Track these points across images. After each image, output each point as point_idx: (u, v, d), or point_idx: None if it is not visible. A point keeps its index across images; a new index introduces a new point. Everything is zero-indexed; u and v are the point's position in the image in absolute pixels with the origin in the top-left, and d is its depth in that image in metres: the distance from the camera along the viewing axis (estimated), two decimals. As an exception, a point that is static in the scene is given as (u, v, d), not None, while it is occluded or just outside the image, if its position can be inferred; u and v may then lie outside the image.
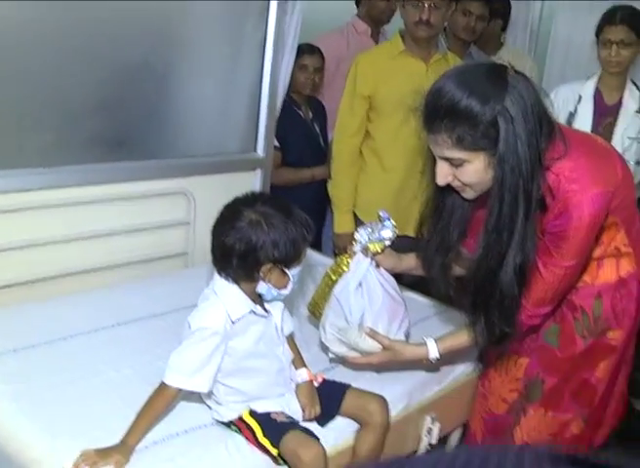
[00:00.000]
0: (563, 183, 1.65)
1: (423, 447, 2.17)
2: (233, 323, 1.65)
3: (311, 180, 3.30)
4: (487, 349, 1.96)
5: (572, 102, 3.03)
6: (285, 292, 1.71)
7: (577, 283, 1.91)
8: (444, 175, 1.68)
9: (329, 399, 1.84)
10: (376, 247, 1.95)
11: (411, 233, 3.05)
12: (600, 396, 2.02)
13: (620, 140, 2.96)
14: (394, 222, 1.99)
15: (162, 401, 1.65)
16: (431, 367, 2.10)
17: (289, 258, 1.66)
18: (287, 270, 1.67)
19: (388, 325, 1.95)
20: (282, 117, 3.18)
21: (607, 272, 1.92)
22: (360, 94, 2.97)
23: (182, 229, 2.88)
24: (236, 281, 1.67)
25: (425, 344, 1.94)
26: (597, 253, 1.88)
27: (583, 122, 2.95)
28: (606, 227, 1.82)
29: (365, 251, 1.95)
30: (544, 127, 1.61)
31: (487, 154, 1.60)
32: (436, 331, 2.14)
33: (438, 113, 1.59)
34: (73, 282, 2.56)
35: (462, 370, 2.29)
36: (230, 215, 1.66)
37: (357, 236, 1.96)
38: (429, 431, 2.15)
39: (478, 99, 1.55)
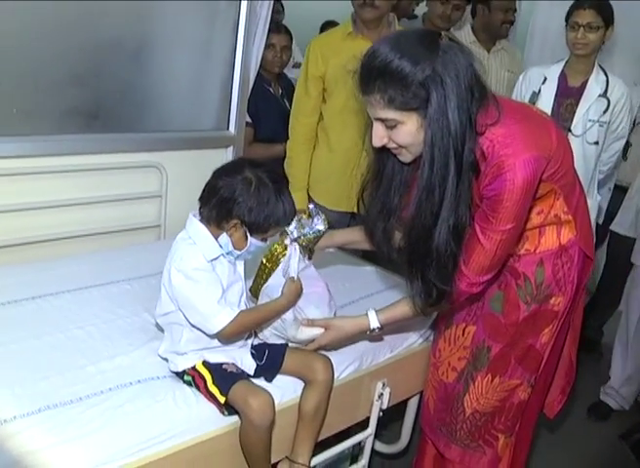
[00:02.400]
0: (497, 148, 1.70)
1: (375, 412, 2.24)
2: (208, 262, 1.75)
3: (283, 155, 3.37)
4: (426, 311, 1.97)
5: (537, 83, 3.18)
6: (237, 253, 1.79)
7: (517, 250, 1.96)
8: (379, 136, 1.74)
9: (272, 354, 1.93)
10: (306, 241, 2.02)
11: (355, 209, 3.19)
12: (546, 361, 2.07)
13: (581, 122, 3.09)
14: (324, 216, 2.06)
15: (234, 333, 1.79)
16: (376, 337, 2.17)
17: (254, 227, 1.75)
18: (249, 235, 1.76)
19: (319, 310, 1.99)
20: (253, 94, 3.26)
21: (548, 239, 1.96)
22: (312, 75, 3.09)
23: (155, 202, 2.96)
24: (207, 221, 1.76)
25: (366, 315, 2.00)
26: (538, 221, 1.93)
27: (545, 101, 3.09)
28: (544, 195, 1.87)
29: (295, 243, 1.99)
30: (476, 92, 1.66)
31: (419, 115, 1.65)
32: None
33: (371, 74, 1.65)
34: (47, 249, 2.64)
35: (415, 340, 2.34)
36: (234, 166, 1.78)
37: (288, 229, 1.97)
38: (380, 396, 2.22)
39: (410, 61, 1.60)
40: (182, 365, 1.82)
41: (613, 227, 3.91)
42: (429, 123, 1.63)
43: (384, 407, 2.25)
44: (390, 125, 1.70)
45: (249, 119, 3.33)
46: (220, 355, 1.83)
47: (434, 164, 1.66)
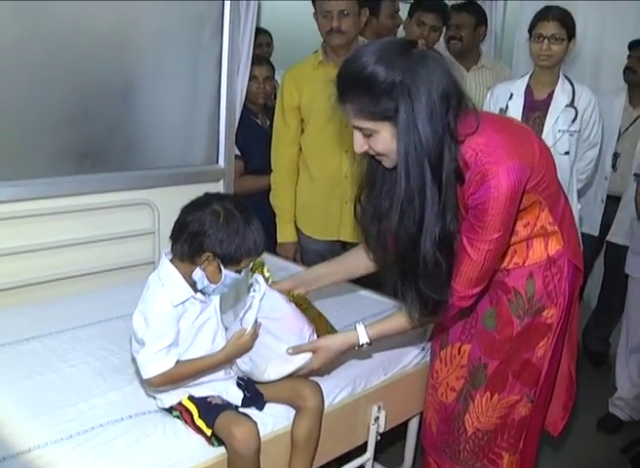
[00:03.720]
0: (479, 156, 1.70)
1: (372, 435, 2.24)
2: (174, 307, 1.76)
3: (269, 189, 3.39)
4: (422, 322, 1.95)
5: (504, 99, 3.20)
6: (214, 287, 1.80)
7: (506, 265, 1.96)
8: (359, 144, 1.75)
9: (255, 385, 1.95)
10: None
11: (343, 237, 3.19)
12: (544, 375, 2.05)
13: (550, 133, 3.10)
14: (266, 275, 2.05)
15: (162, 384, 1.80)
16: (364, 353, 2.15)
17: (227, 258, 1.76)
18: (223, 268, 1.77)
19: (283, 343, 1.93)
20: (241, 127, 3.31)
21: (536, 252, 1.96)
22: (288, 105, 3.14)
23: (149, 239, 2.99)
24: (180, 257, 1.78)
25: (355, 329, 1.97)
26: (524, 233, 1.93)
27: (514, 116, 3.05)
28: (529, 206, 1.86)
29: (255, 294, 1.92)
30: (453, 100, 1.66)
31: (392, 125, 1.65)
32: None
33: (345, 82, 1.67)
34: (42, 291, 2.67)
35: (409, 361, 2.35)
36: (201, 201, 1.79)
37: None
38: (376, 420, 2.21)
39: (383, 67, 1.60)
40: (168, 401, 1.84)
41: (610, 238, 3.92)
42: (400, 133, 1.64)
43: (381, 430, 2.24)
44: (366, 133, 1.71)
45: (238, 152, 3.38)
46: (205, 389, 1.85)
47: (409, 174, 1.66)
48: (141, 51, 2.86)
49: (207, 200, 1.78)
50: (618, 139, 3.86)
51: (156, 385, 1.79)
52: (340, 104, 1.72)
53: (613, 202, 3.89)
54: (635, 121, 3.88)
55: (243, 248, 1.75)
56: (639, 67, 3.82)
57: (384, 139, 1.70)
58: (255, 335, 1.84)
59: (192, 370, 1.80)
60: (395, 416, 2.33)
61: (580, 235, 3.24)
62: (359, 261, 2.21)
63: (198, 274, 1.77)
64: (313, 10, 3.07)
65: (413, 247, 1.74)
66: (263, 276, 1.98)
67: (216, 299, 1.88)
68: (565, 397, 2.23)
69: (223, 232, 1.72)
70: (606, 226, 3.92)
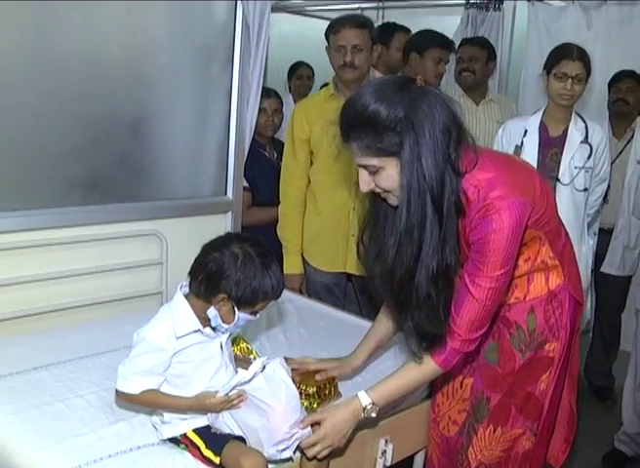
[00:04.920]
0: (481, 192, 1.71)
1: (380, 469, 2.24)
2: (177, 338, 1.76)
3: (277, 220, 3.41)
4: (430, 371, 1.88)
5: (518, 136, 3.21)
6: (226, 326, 1.80)
7: (507, 299, 1.96)
8: (365, 182, 1.75)
9: None
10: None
11: (350, 270, 3.19)
12: (547, 408, 2.04)
13: (567, 169, 3.12)
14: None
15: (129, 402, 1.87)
16: (374, 420, 1.97)
17: (242, 301, 1.77)
18: (237, 310, 1.78)
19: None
20: (249, 159, 3.34)
21: (537, 286, 1.97)
22: (298, 138, 3.17)
23: (156, 269, 3.00)
24: (196, 294, 1.79)
25: (356, 396, 1.87)
26: (525, 268, 1.93)
27: (530, 153, 3.11)
28: (530, 241, 1.87)
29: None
30: (454, 133, 1.68)
31: (397, 160, 1.67)
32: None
33: (348, 122, 1.69)
34: (50, 320, 2.67)
35: (417, 395, 2.32)
36: (222, 241, 1.81)
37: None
38: (384, 453, 2.20)
39: (384, 105, 1.63)
40: (168, 433, 1.84)
41: (603, 269, 3.98)
42: (403, 167, 1.66)
43: (388, 463, 2.22)
44: (372, 170, 1.72)
45: (246, 184, 3.40)
46: (205, 418, 1.83)
47: (410, 207, 1.67)
48: (151, 82, 2.90)
49: (227, 240, 1.80)
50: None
51: (125, 401, 1.87)
52: (345, 144, 1.73)
53: (604, 234, 3.93)
54: (621, 152, 3.94)
55: (259, 291, 1.76)
56: (631, 97, 3.88)
57: (390, 175, 1.70)
58: (228, 404, 1.77)
59: (162, 403, 1.82)
60: (402, 450, 2.31)
61: (589, 270, 3.25)
62: (387, 327, 2.20)
63: (212, 312, 1.78)
64: (326, 44, 3.12)
65: (408, 278, 1.74)
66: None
67: (223, 337, 1.87)
68: (566, 430, 2.22)
69: (240, 275, 1.73)
70: (598, 259, 3.94)
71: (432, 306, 1.77)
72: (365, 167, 1.74)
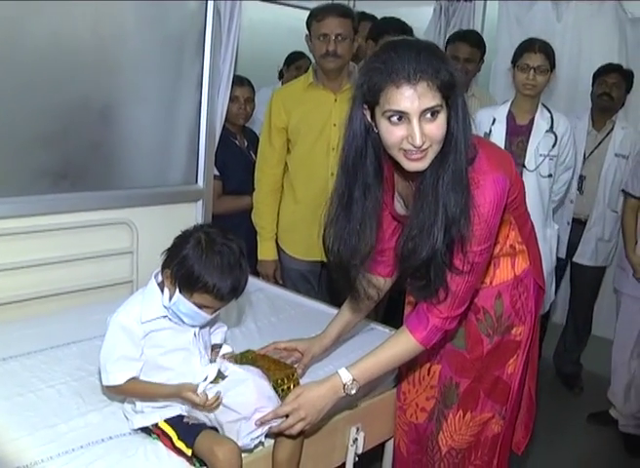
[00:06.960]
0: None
1: (350, 457, 2.24)
2: (142, 323, 1.76)
3: (251, 207, 3.42)
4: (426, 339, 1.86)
5: (487, 124, 3.31)
6: (168, 306, 1.77)
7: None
8: (419, 135, 1.58)
9: None
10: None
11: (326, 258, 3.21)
12: (515, 392, 2.08)
13: (533, 157, 3.23)
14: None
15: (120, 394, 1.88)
16: (355, 397, 1.96)
17: (181, 282, 1.73)
18: (178, 290, 1.74)
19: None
20: (220, 147, 3.32)
21: (503, 271, 2.00)
22: (275, 126, 3.17)
23: (127, 258, 2.98)
24: (163, 266, 1.78)
25: (336, 373, 1.85)
26: (494, 252, 1.94)
27: (497, 140, 3.19)
28: (500, 225, 1.86)
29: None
30: None
31: (445, 107, 1.62)
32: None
33: (425, 51, 1.59)
34: (19, 310, 2.65)
35: (389, 383, 2.34)
36: (200, 228, 1.81)
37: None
38: (355, 441, 2.22)
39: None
40: (139, 422, 1.83)
41: (576, 259, 4.07)
42: (455, 112, 1.64)
43: (359, 451, 2.24)
44: (433, 114, 1.60)
45: (217, 172, 3.38)
46: (178, 408, 1.83)
47: (457, 156, 1.65)
48: (122, 70, 2.86)
49: (209, 231, 1.79)
50: (583, 163, 3.97)
51: (116, 394, 1.89)
52: (409, 86, 1.56)
53: (578, 224, 4.03)
54: (600, 144, 4.00)
55: (199, 279, 1.71)
56: (615, 92, 3.91)
57: (443, 123, 1.62)
58: (204, 408, 1.77)
59: (148, 392, 1.81)
60: (373, 438, 2.33)
61: (553, 254, 3.34)
62: (352, 315, 2.21)
63: (165, 291, 1.78)
64: (306, 32, 3.12)
65: (434, 244, 1.68)
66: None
67: (196, 331, 1.85)
68: (526, 417, 2.26)
69: (190, 253, 1.72)
70: (571, 248, 4.05)
71: (442, 263, 1.73)
72: (428, 110, 1.58)
